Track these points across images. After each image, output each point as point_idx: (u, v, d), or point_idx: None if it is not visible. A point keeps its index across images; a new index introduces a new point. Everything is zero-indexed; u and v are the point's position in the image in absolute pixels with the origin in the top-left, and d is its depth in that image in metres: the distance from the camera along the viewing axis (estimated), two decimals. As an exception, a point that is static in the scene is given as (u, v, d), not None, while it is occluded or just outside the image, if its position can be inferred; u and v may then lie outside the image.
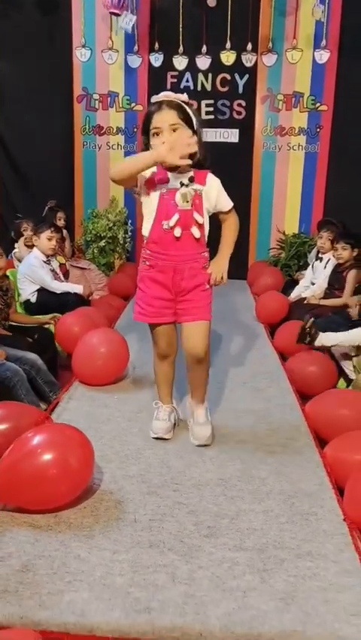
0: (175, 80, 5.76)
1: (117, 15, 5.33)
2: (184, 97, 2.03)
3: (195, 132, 1.98)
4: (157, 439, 2.22)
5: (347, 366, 3.22)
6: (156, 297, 2.10)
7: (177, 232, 2.00)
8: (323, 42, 5.45)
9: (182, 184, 1.97)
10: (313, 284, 4.50)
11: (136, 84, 5.82)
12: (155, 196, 2.01)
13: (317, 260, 4.60)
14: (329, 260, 4.36)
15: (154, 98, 2.03)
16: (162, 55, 5.60)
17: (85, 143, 5.98)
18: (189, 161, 1.92)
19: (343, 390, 2.97)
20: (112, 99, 5.89)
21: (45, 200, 5.51)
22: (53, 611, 1.32)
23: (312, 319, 3.27)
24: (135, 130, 5.85)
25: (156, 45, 5.58)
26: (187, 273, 2.06)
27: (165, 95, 2.02)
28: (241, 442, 2.25)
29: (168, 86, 5.71)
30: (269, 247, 6.03)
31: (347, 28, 5.44)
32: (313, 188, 5.88)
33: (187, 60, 5.58)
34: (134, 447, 2.17)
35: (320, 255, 4.55)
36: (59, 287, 3.98)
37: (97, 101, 5.90)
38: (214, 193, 2.05)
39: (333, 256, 4.21)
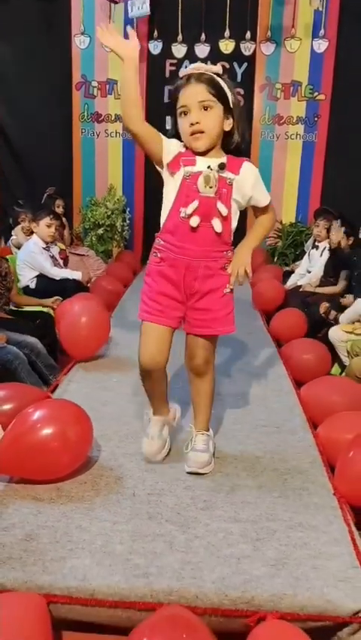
0: (174, 68, 5.78)
1: (115, 2, 5.35)
2: (218, 68, 1.72)
3: (230, 111, 1.70)
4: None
5: (343, 353, 3.29)
6: (163, 293, 1.79)
7: (194, 221, 1.69)
8: (322, 31, 5.48)
9: (209, 168, 1.68)
10: (309, 272, 4.57)
11: (135, 72, 5.83)
12: (178, 179, 1.71)
13: (313, 248, 4.66)
14: (325, 248, 4.41)
15: (182, 72, 1.73)
16: (160, 43, 5.62)
17: (83, 130, 6.01)
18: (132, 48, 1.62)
19: (336, 377, 3.05)
20: (110, 86, 5.91)
21: (43, 187, 5.55)
22: (56, 575, 1.39)
23: (326, 305, 3.62)
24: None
25: (155, 33, 5.60)
26: (202, 272, 1.75)
27: (195, 67, 1.71)
28: (238, 423, 2.31)
29: (167, 74, 5.75)
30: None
31: (345, 18, 5.47)
32: (311, 177, 5.93)
33: (186, 48, 5.60)
34: (133, 427, 2.23)
35: (316, 243, 4.61)
36: (58, 273, 4.03)
37: (95, 89, 5.92)
38: (249, 185, 1.74)
39: (329, 244, 4.28)
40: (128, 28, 1.69)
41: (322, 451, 2.06)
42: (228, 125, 1.71)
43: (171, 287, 1.78)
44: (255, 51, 5.66)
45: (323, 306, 3.60)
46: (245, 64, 5.78)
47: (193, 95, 1.65)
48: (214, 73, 1.69)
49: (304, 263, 4.76)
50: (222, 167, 1.69)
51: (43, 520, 1.61)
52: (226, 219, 1.72)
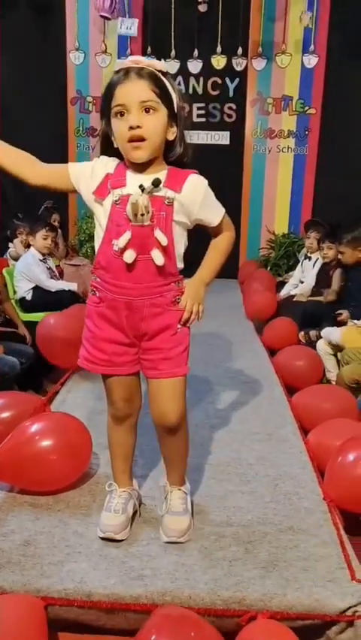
0: (167, 84, 5.88)
1: (108, 19, 5.46)
2: (161, 64, 1.40)
3: (174, 115, 1.41)
4: (105, 539, 1.58)
5: (329, 368, 3.33)
6: (107, 339, 1.52)
7: (128, 257, 1.41)
8: (312, 47, 5.60)
9: (142, 189, 1.38)
10: (302, 282, 4.65)
11: (129, 87, 5.94)
12: (107, 205, 1.43)
13: (305, 259, 4.74)
14: (317, 259, 4.50)
15: (118, 65, 1.40)
16: (153, 59, 5.70)
17: (79, 145, 6.10)
18: None
19: (326, 385, 3.11)
20: (105, 102, 6.00)
21: (40, 200, 5.61)
22: (53, 579, 1.44)
23: (301, 333, 3.69)
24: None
25: (149, 49, 5.70)
26: (147, 311, 1.48)
27: (134, 60, 1.38)
28: (231, 431, 2.37)
29: (161, 89, 5.83)
30: (259, 247, 6.17)
31: (334, 34, 5.59)
32: (302, 189, 6.03)
33: (179, 64, 5.70)
34: (128, 435, 2.28)
35: (308, 255, 4.69)
36: (54, 285, 4.08)
37: (90, 104, 6.01)
38: (195, 202, 1.45)
39: (320, 256, 4.36)
40: None
41: (312, 458, 2.12)
42: (172, 133, 1.43)
43: (113, 330, 1.52)
44: (246, 66, 5.76)
45: (301, 336, 3.68)
46: (237, 80, 5.90)
47: (134, 93, 1.35)
48: (158, 71, 1.38)
49: (297, 273, 4.84)
50: (156, 183, 1.39)
51: (41, 526, 1.66)
52: (166, 250, 1.43)
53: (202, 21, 5.55)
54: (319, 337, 3.46)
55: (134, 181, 1.41)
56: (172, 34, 5.58)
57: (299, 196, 6.02)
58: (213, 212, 1.51)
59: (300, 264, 4.89)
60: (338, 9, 5.51)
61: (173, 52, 5.66)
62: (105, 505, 1.65)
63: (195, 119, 5.87)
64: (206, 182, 1.47)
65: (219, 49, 5.64)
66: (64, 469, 1.80)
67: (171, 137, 1.43)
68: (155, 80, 1.37)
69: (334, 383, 3.11)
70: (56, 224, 5.24)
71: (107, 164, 1.46)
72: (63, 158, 6.04)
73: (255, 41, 5.72)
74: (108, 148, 1.47)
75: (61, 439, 1.81)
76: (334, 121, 5.76)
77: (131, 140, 1.36)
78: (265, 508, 1.78)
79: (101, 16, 5.39)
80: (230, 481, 1.95)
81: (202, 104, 5.94)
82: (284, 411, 2.60)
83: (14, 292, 4.00)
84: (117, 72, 1.38)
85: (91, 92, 5.98)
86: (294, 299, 4.43)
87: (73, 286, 4.21)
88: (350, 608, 1.37)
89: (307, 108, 5.86)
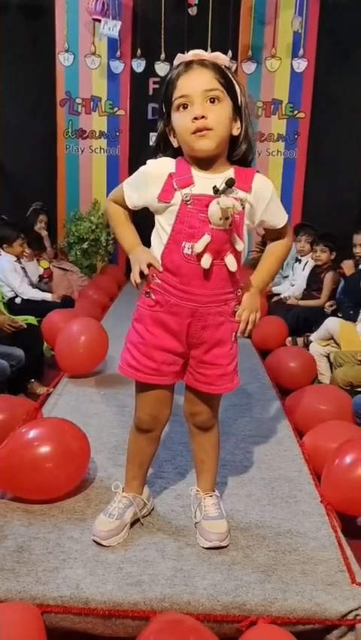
0: (157, 86, 5.87)
1: (98, 21, 5.45)
2: (224, 58, 1.34)
3: (238, 110, 1.34)
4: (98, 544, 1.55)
5: (321, 371, 3.33)
6: (159, 347, 1.44)
7: (206, 262, 1.33)
8: (301, 51, 5.62)
9: (216, 190, 1.30)
10: (292, 285, 4.66)
11: (119, 89, 5.93)
12: (175, 205, 1.35)
13: (296, 262, 4.75)
14: (307, 262, 4.51)
15: (179, 58, 1.34)
16: (144, 62, 5.71)
17: (68, 147, 6.06)
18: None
19: (319, 386, 3.11)
20: (95, 103, 5.98)
21: (28, 201, 5.58)
22: (49, 585, 1.40)
23: (289, 339, 3.73)
24: (118, 133, 5.95)
25: (138, 51, 5.69)
26: (212, 320, 1.42)
27: (196, 54, 1.32)
28: (225, 434, 2.33)
29: (150, 92, 5.83)
30: (249, 250, 6.17)
31: (323, 39, 5.63)
32: (292, 193, 6.05)
33: (169, 66, 5.68)
34: (122, 439, 2.24)
35: (299, 257, 4.70)
36: (27, 292, 4.00)
37: (80, 105, 5.98)
38: (264, 202, 1.39)
39: (312, 258, 4.37)
40: None
41: (308, 460, 2.10)
42: (236, 129, 1.35)
43: (169, 338, 1.44)
44: (236, 70, 5.77)
45: (288, 341, 3.71)
46: (227, 83, 5.90)
47: (197, 83, 1.28)
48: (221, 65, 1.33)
49: (289, 276, 4.85)
50: (230, 183, 1.30)
51: (35, 531, 1.62)
52: (239, 255, 1.38)
53: (192, 24, 5.54)
54: (306, 343, 3.47)
55: (202, 180, 1.34)
56: (162, 36, 5.57)
57: (289, 199, 6.04)
58: (279, 214, 1.45)
59: (291, 268, 4.89)
60: (327, 14, 5.55)
61: (163, 55, 5.65)
62: (106, 507, 1.62)
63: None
64: (271, 183, 1.42)
65: (209, 51, 5.62)
66: (64, 477, 1.76)
67: (235, 133, 1.36)
68: (219, 70, 1.31)
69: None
70: (42, 224, 5.23)
71: (166, 164, 1.38)
72: (52, 160, 6.04)
73: (245, 45, 5.74)
74: (165, 150, 1.41)
75: (60, 446, 1.76)
76: (323, 125, 5.80)
77: (197, 131, 1.29)
78: (262, 511, 1.77)
79: (94, 19, 5.39)
80: (226, 485, 1.92)
81: (192, 107, 5.94)
82: (278, 413, 2.59)
83: (3, 296, 3.96)
84: (177, 66, 1.33)
85: (80, 93, 5.95)
86: (286, 301, 4.44)
87: (47, 297, 4.16)
88: (351, 612, 1.35)
89: (296, 112, 5.89)
